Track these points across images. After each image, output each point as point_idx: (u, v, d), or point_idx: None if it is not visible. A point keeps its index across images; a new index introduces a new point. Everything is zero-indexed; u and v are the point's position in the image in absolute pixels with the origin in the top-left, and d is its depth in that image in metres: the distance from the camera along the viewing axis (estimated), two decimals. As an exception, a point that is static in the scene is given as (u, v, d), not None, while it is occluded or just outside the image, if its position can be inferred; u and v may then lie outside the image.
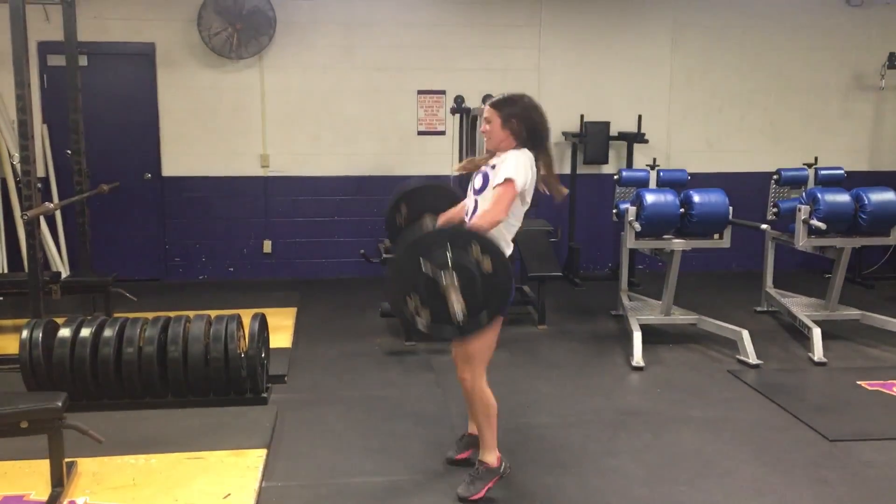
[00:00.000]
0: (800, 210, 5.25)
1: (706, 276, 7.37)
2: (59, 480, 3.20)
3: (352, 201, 7.38)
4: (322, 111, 7.26)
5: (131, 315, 4.46)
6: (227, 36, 6.91)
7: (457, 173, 3.99)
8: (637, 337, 5.12)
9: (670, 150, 7.61)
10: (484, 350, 3.27)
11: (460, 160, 6.27)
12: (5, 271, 6.61)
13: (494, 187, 3.16)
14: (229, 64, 7.06)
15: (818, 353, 5.10)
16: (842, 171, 6.54)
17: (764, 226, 5.21)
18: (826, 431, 3.99)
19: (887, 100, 7.87)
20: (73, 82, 5.89)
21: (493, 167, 3.24)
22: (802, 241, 5.31)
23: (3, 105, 6.61)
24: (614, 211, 5.92)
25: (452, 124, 6.89)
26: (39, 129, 6.78)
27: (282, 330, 5.53)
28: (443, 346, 5.17)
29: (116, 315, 4.84)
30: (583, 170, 7.40)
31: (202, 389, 4.18)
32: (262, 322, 4.44)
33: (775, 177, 6.43)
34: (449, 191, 3.86)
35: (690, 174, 6.56)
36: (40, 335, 4.09)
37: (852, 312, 5.69)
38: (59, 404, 3.12)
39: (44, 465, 3.23)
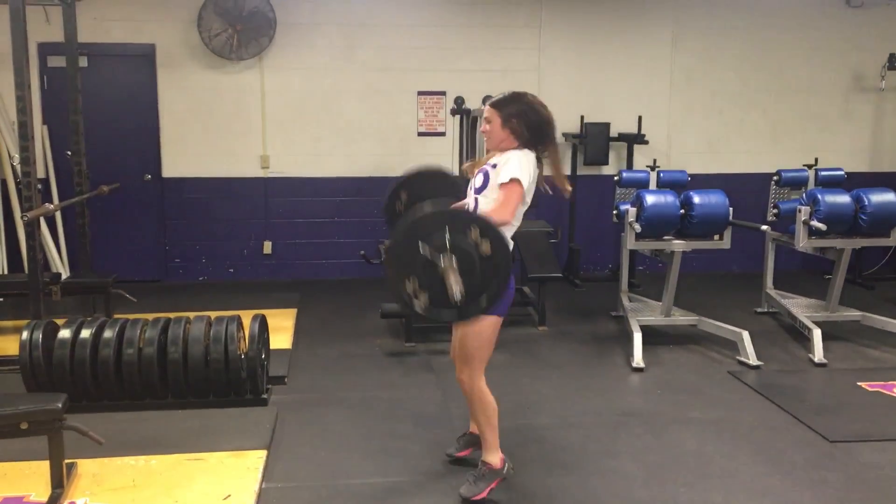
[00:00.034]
0: (800, 211, 5.25)
1: (706, 278, 7.36)
2: (60, 481, 3.20)
3: (352, 202, 7.37)
4: (322, 112, 7.26)
5: (131, 316, 4.45)
6: (228, 37, 6.91)
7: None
8: (637, 338, 5.12)
9: (670, 151, 7.61)
10: (483, 350, 3.26)
11: (460, 161, 6.27)
12: (5, 272, 6.61)
13: (500, 186, 3.13)
14: (229, 65, 7.06)
15: (818, 354, 5.10)
16: (842, 172, 6.55)
17: (764, 227, 5.20)
18: (826, 432, 3.99)
19: (887, 100, 7.86)
20: (74, 83, 5.90)
21: (494, 166, 3.23)
22: (803, 243, 5.31)
23: (4, 106, 6.61)
24: (614, 212, 5.91)
25: (453, 125, 6.88)
26: (39, 130, 6.78)
27: (282, 331, 5.53)
28: (443, 347, 5.18)
29: (116, 316, 4.83)
30: (583, 171, 7.39)
31: (202, 391, 4.17)
32: (263, 323, 4.44)
33: (775, 178, 6.44)
34: (449, 177, 3.84)
35: (690, 175, 6.55)
36: (40, 336, 4.09)
37: (853, 313, 5.69)
38: (59, 405, 3.12)
39: (44, 467, 3.23)
